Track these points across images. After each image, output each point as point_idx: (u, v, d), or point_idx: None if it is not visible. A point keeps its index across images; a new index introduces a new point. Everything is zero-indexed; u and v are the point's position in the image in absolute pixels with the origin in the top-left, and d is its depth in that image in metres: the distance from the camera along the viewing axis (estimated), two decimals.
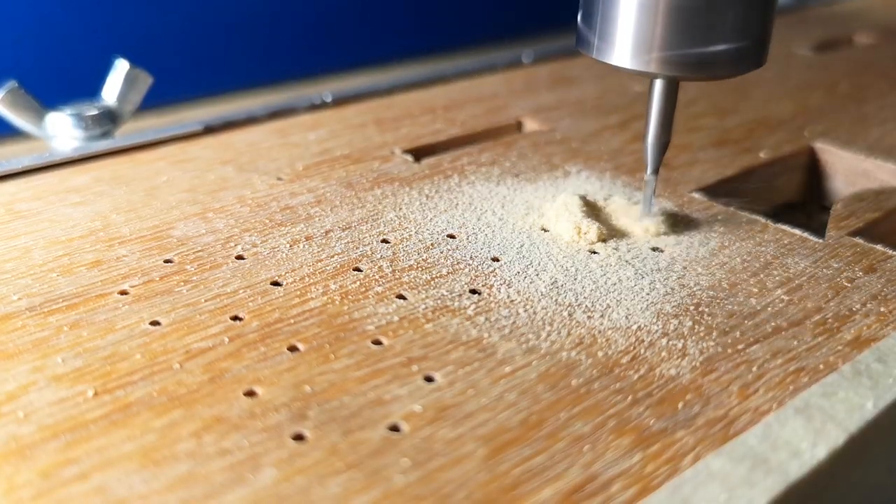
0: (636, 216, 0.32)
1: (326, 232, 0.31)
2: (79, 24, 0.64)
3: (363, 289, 0.27)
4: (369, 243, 0.30)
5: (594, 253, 0.30)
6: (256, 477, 0.20)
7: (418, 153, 0.38)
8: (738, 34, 0.27)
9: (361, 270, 0.28)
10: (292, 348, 0.24)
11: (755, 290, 0.28)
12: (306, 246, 0.30)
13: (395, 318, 0.26)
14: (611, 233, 0.31)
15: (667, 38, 0.27)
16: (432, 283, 0.28)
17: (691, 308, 0.27)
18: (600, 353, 0.24)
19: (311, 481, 0.20)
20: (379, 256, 0.29)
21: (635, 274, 0.29)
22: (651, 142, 0.30)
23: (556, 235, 0.31)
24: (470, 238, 0.31)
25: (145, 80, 0.41)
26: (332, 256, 0.29)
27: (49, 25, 0.63)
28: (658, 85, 0.29)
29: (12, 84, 0.39)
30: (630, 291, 0.28)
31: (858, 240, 0.31)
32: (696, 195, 0.34)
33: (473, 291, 0.27)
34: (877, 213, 0.33)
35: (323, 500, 0.19)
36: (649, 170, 0.31)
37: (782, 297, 0.27)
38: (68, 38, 0.63)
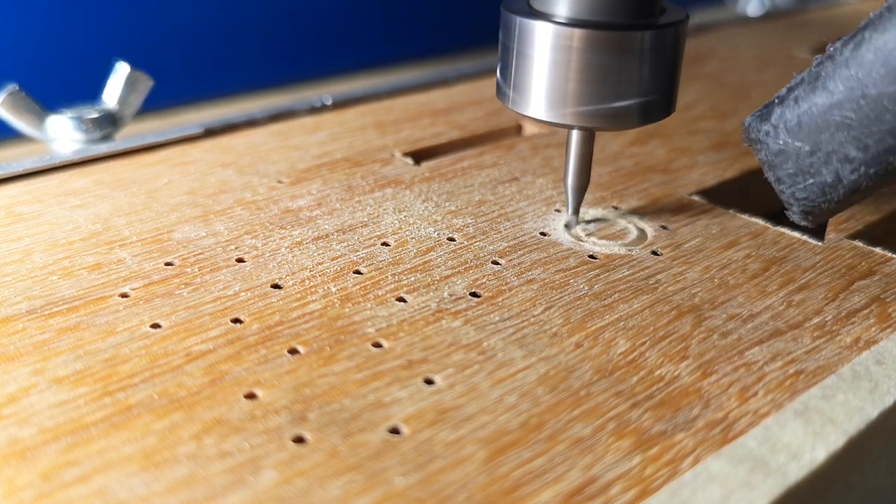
0: (634, 220, 0.32)
1: (327, 235, 0.31)
2: (79, 27, 0.64)
3: (363, 291, 0.27)
4: (370, 246, 0.30)
5: (593, 257, 0.30)
6: (257, 479, 0.20)
7: (418, 156, 0.38)
8: (647, 89, 0.28)
9: (362, 273, 0.28)
10: (293, 351, 0.24)
11: (755, 292, 0.28)
12: (307, 249, 0.30)
13: (396, 321, 0.26)
14: (610, 236, 0.32)
15: (580, 93, 0.28)
16: (433, 285, 0.28)
17: (690, 311, 0.27)
18: (600, 356, 0.24)
19: (312, 483, 0.20)
20: (379, 259, 0.29)
21: (634, 276, 0.29)
22: (570, 185, 0.31)
23: (555, 239, 0.31)
24: (470, 241, 0.31)
25: (146, 83, 0.41)
26: (333, 259, 0.29)
27: (49, 28, 0.63)
28: (575, 135, 0.30)
29: (13, 87, 0.39)
30: (630, 294, 0.28)
31: (858, 243, 0.31)
32: (696, 198, 0.34)
33: (474, 294, 0.27)
34: (876, 215, 0.33)
35: (323, 502, 0.19)
36: (570, 210, 0.32)
37: (781, 299, 0.28)
38: (69, 40, 0.63)
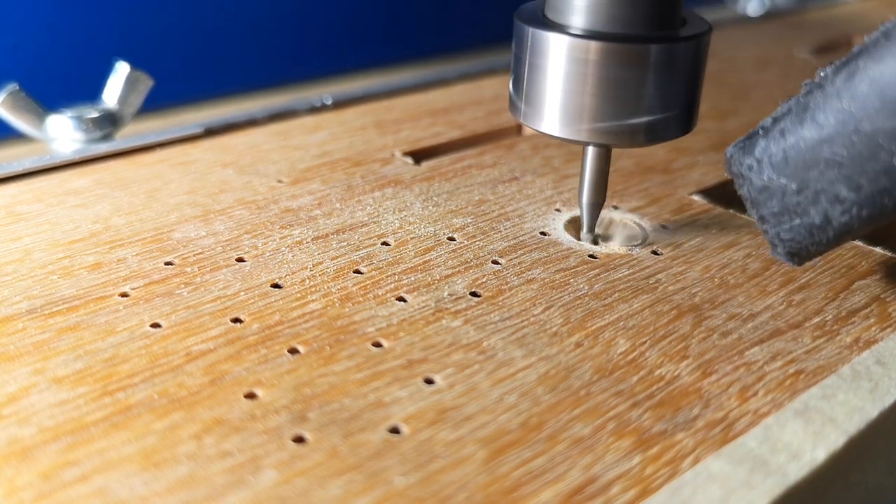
0: (633, 224, 0.32)
1: (327, 234, 0.31)
2: (79, 26, 0.64)
3: (363, 291, 0.27)
4: (370, 246, 0.30)
5: (593, 257, 0.30)
6: (257, 479, 0.20)
7: (419, 156, 0.38)
8: (667, 105, 0.27)
9: (362, 273, 0.28)
10: (293, 350, 0.24)
11: (755, 292, 0.28)
12: (307, 248, 0.30)
13: (396, 321, 0.26)
14: (608, 236, 0.32)
15: (597, 109, 0.27)
16: (433, 285, 0.28)
17: (690, 310, 0.27)
18: (600, 355, 0.24)
19: (312, 483, 0.20)
20: (379, 259, 0.29)
21: (634, 277, 0.29)
22: (585, 203, 0.30)
23: (555, 238, 0.31)
24: (470, 240, 0.31)
25: (146, 83, 0.41)
26: (333, 259, 0.29)
27: (50, 28, 0.63)
28: (591, 151, 0.29)
29: (13, 86, 0.39)
30: (630, 294, 0.28)
31: (858, 242, 0.31)
32: (697, 198, 0.34)
33: (474, 294, 0.27)
34: None
35: (323, 501, 0.19)
36: (585, 229, 0.31)
37: (782, 299, 0.28)
38: (69, 40, 0.63)
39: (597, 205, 0.30)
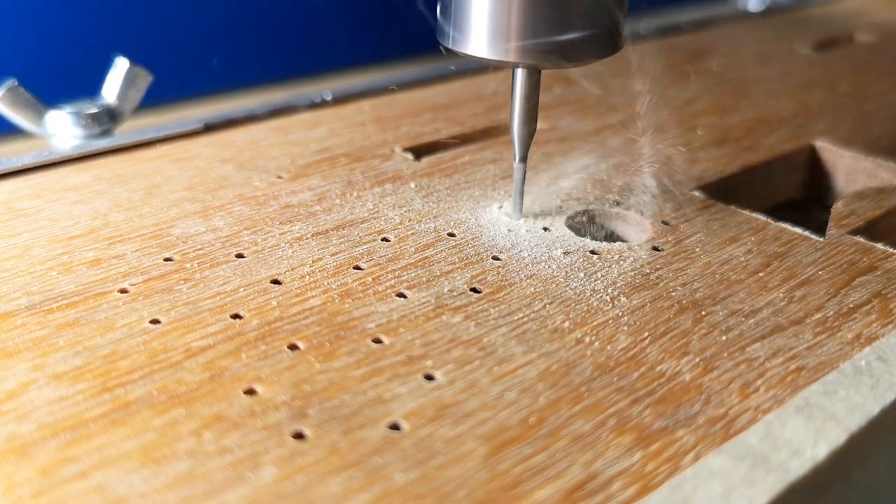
0: (634, 220, 0.32)
1: (326, 230, 0.31)
2: (78, 21, 0.64)
3: (363, 287, 0.27)
4: (369, 242, 0.30)
5: (594, 253, 0.30)
6: (256, 475, 0.20)
7: (419, 151, 0.38)
8: (592, 21, 0.27)
9: (362, 269, 0.28)
10: (292, 346, 0.24)
11: (756, 288, 0.28)
12: (306, 244, 0.30)
13: (396, 317, 0.26)
14: (608, 234, 0.31)
15: (523, 27, 0.27)
16: (433, 281, 0.28)
17: (691, 306, 0.27)
18: (601, 352, 0.24)
19: (312, 480, 0.20)
20: (379, 255, 0.29)
21: (635, 273, 0.28)
22: (516, 130, 0.30)
23: (556, 235, 0.31)
24: (470, 236, 0.30)
25: (145, 78, 0.41)
26: (333, 255, 0.29)
27: (48, 23, 0.63)
28: (520, 74, 0.29)
29: (12, 82, 0.38)
30: (631, 290, 0.27)
31: (859, 238, 0.31)
32: (697, 193, 0.34)
33: (474, 290, 0.27)
34: (877, 211, 0.33)
35: (323, 498, 0.19)
36: (517, 158, 0.31)
37: (783, 295, 0.27)
38: (68, 35, 0.63)
39: (529, 133, 0.30)
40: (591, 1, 0.27)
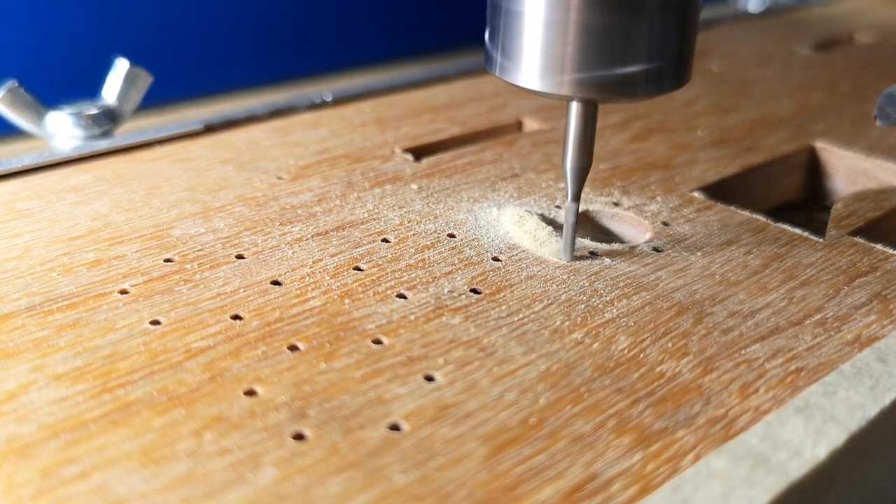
0: (634, 221, 0.32)
1: (327, 231, 0.31)
2: (79, 22, 0.64)
3: (363, 288, 0.27)
4: (370, 242, 0.30)
5: (594, 254, 0.30)
6: (257, 476, 0.20)
7: (419, 152, 0.38)
8: (658, 53, 0.25)
9: (362, 270, 0.28)
10: (292, 347, 0.24)
11: (755, 289, 0.28)
12: (307, 245, 0.30)
13: (396, 318, 0.26)
14: (609, 234, 0.31)
15: (580, 57, 0.25)
16: (433, 282, 0.28)
17: (691, 307, 0.27)
18: (601, 352, 0.24)
19: (312, 480, 0.20)
20: (379, 256, 0.29)
21: (636, 273, 0.28)
22: (570, 167, 0.28)
23: (556, 235, 0.31)
24: (470, 237, 0.30)
25: (145, 79, 0.41)
26: (333, 256, 0.29)
27: (49, 24, 0.63)
28: (574, 107, 0.27)
29: (12, 83, 0.39)
30: (631, 291, 0.27)
31: (859, 239, 0.31)
32: (697, 194, 0.34)
33: (474, 291, 0.27)
34: (877, 212, 0.33)
35: (323, 499, 0.19)
36: (569, 196, 0.28)
37: (783, 296, 0.27)
38: (68, 36, 0.63)
39: (583, 169, 0.28)
40: (658, 30, 0.25)
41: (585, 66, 0.25)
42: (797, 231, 0.31)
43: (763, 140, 0.40)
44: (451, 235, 0.31)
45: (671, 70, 0.26)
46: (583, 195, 0.34)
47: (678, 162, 0.37)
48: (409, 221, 0.31)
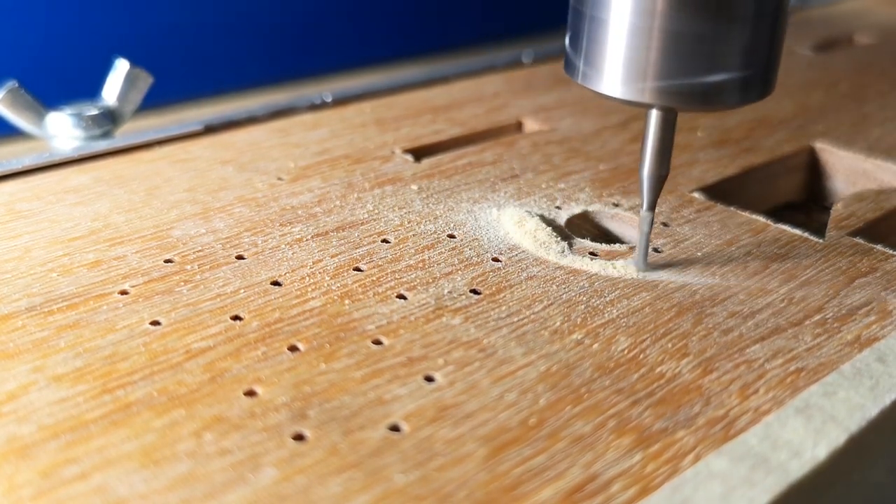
0: (634, 221, 0.32)
1: (327, 232, 0.31)
2: (79, 23, 0.64)
3: (364, 289, 0.27)
4: (370, 243, 0.30)
5: (594, 255, 0.30)
6: (257, 476, 0.20)
7: (419, 153, 0.38)
8: (744, 61, 0.25)
9: (362, 270, 0.28)
10: (292, 348, 0.24)
11: (755, 290, 0.28)
12: (307, 246, 0.30)
13: (396, 318, 0.26)
14: (608, 235, 0.31)
15: (663, 65, 0.24)
16: (433, 283, 0.28)
17: (691, 307, 0.27)
18: (601, 353, 0.24)
19: (312, 481, 0.20)
20: (379, 256, 0.29)
21: (635, 274, 0.28)
22: (647, 175, 0.27)
23: (556, 236, 0.31)
24: (470, 238, 0.31)
25: (146, 80, 0.41)
26: (333, 256, 0.29)
27: (49, 25, 0.63)
28: (654, 116, 0.26)
29: (12, 84, 0.39)
30: (631, 291, 0.27)
31: (858, 240, 0.31)
32: (697, 195, 0.34)
33: (474, 291, 0.27)
34: (877, 212, 0.33)
35: (323, 499, 0.19)
36: (645, 205, 0.28)
37: (782, 296, 0.27)
38: (68, 37, 0.63)
39: (660, 178, 0.27)
40: (745, 37, 0.24)
41: (667, 74, 0.24)
42: (797, 232, 0.31)
43: (763, 141, 0.40)
44: (451, 236, 0.31)
45: (758, 79, 0.25)
46: (583, 196, 0.34)
47: (678, 162, 0.37)
48: (409, 222, 0.32)
